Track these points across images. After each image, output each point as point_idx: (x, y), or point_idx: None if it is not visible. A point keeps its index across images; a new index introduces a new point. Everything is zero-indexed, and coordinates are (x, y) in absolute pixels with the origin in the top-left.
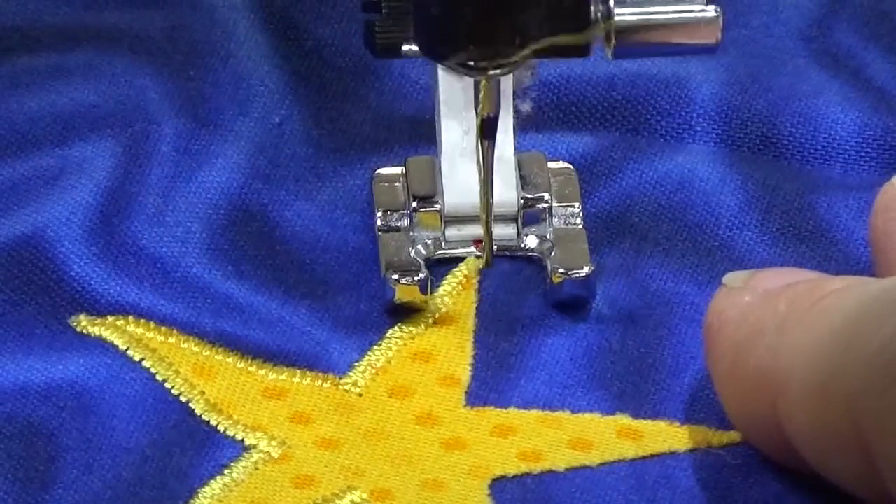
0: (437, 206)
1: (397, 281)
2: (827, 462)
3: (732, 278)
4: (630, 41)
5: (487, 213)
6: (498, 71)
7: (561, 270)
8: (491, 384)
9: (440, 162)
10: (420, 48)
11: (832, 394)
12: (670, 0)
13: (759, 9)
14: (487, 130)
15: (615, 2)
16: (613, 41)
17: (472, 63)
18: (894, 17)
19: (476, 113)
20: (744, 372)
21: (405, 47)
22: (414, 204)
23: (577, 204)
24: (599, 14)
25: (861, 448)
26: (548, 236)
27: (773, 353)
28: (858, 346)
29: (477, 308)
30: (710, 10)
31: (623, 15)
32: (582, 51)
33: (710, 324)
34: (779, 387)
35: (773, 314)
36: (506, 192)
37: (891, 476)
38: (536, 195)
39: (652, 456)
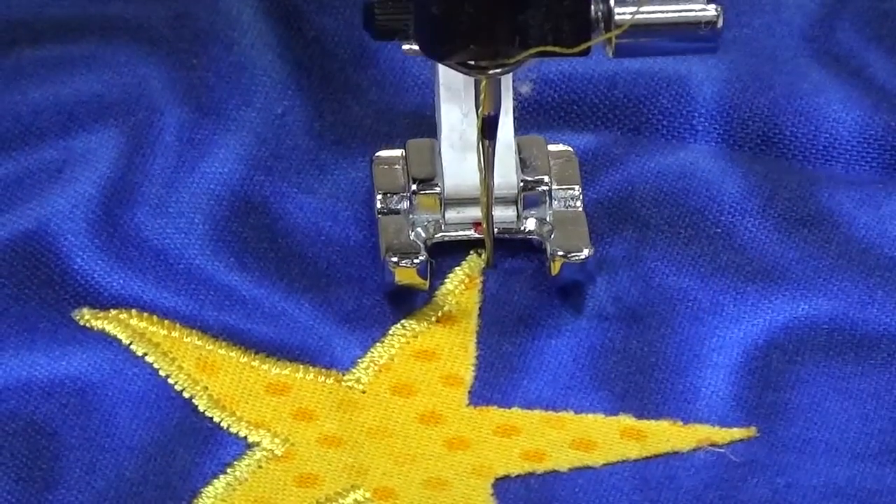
0: (437, 189)
1: (396, 264)
2: None
3: None
4: (630, 40)
5: (488, 211)
6: (498, 70)
7: (560, 253)
8: (494, 384)
9: (440, 145)
10: (420, 47)
11: None
12: None
13: (761, 8)
14: (488, 130)
15: (615, 1)
16: (614, 40)
17: (472, 62)
18: (895, 17)
19: (476, 114)
20: None
21: (406, 46)
22: (413, 186)
23: (576, 186)
24: (600, 13)
25: None
26: (547, 219)
27: None
28: None
29: (480, 308)
30: (711, 10)
31: (623, 14)
32: (581, 51)
33: None
34: None
35: None
36: (506, 175)
37: None
38: (536, 178)
39: (655, 456)
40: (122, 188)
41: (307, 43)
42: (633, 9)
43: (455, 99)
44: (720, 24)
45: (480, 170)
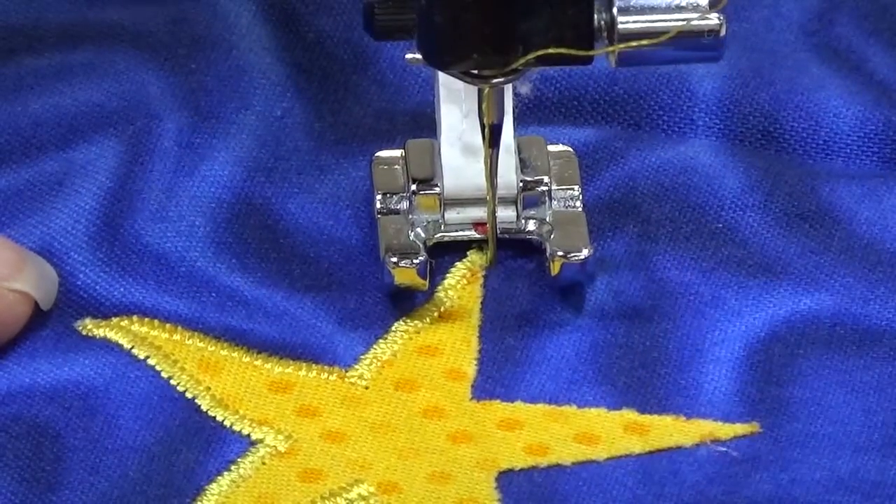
0: (437, 189)
1: (396, 264)
2: None
3: None
4: (633, 49)
5: (493, 217)
6: (501, 79)
7: (560, 253)
8: (497, 378)
9: (439, 145)
10: (423, 56)
11: None
12: (673, 8)
13: (760, 3)
14: (493, 138)
15: (619, 10)
16: (617, 50)
17: (475, 71)
18: (895, 12)
19: (480, 122)
20: None
21: (409, 55)
22: (413, 187)
23: (576, 187)
24: (603, 22)
25: None
26: (547, 219)
27: None
28: None
29: (482, 302)
30: (714, 18)
31: (626, 23)
32: (584, 59)
33: None
34: None
35: None
36: (505, 176)
37: None
38: (536, 178)
39: (658, 450)
40: (122, 197)
41: (306, 45)
42: (636, 17)
43: (455, 99)
44: (723, 32)
45: (487, 178)
